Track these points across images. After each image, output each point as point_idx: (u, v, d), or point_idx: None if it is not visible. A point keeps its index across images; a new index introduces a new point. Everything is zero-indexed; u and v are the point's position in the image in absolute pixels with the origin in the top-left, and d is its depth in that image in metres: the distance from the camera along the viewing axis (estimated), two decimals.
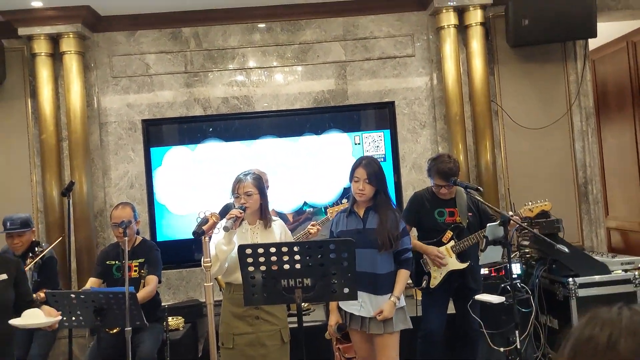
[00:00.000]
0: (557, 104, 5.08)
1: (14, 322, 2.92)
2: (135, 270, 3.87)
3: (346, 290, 2.60)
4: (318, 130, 5.09)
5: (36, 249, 3.92)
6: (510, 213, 3.55)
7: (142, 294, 3.73)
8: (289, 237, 3.21)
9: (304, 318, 4.27)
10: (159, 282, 3.97)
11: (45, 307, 3.16)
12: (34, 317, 2.97)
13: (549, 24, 4.72)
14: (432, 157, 3.79)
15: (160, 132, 5.07)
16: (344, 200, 3.84)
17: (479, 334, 3.80)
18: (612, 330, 0.79)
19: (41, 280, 3.86)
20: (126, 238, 3.34)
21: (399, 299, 3.06)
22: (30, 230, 4.10)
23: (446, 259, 3.64)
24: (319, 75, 5.00)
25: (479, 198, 3.71)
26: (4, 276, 3.08)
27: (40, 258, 3.86)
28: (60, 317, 3.08)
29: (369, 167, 3.13)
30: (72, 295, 3.22)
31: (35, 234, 4.17)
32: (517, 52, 5.03)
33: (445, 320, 3.78)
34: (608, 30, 5.43)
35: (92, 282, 3.89)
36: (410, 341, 3.85)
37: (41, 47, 4.64)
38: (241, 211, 2.91)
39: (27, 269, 3.72)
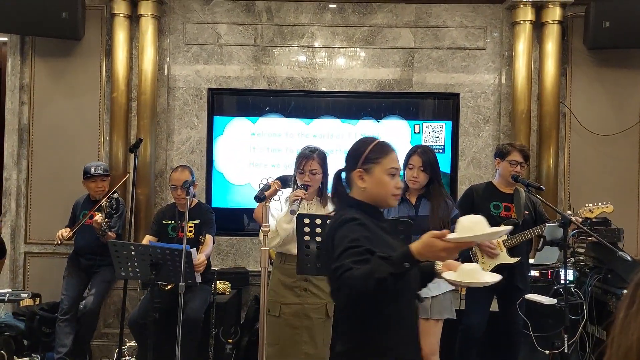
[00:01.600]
0: (629, 113, 4.90)
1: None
2: (190, 231, 4.00)
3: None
4: (378, 115, 5.08)
5: (114, 195, 4.20)
6: (569, 213, 3.48)
7: (205, 252, 3.88)
8: None
9: None
10: (213, 242, 4.10)
11: None
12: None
13: (630, 29, 4.55)
14: (504, 142, 3.81)
15: (224, 101, 5.17)
16: None
17: (521, 335, 3.75)
18: None
19: (112, 223, 4.08)
20: (189, 197, 3.44)
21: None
22: (110, 177, 4.50)
23: (497, 250, 3.59)
24: (385, 60, 4.98)
25: (539, 197, 3.65)
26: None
27: (114, 200, 4.09)
28: None
29: (424, 155, 3.14)
30: (132, 247, 3.36)
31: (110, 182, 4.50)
32: (593, 54, 4.86)
33: (487, 317, 3.74)
34: None
35: (147, 240, 4.04)
36: (449, 336, 3.83)
37: (120, 8, 4.79)
38: (305, 192, 2.92)
39: (101, 211, 3.97)
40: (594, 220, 3.78)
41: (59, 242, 4.22)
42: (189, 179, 3.96)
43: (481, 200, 3.70)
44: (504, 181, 3.71)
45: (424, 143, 4.87)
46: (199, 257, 3.73)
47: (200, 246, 3.89)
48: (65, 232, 4.25)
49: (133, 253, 3.34)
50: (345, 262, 1.67)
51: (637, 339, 0.75)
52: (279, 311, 3.06)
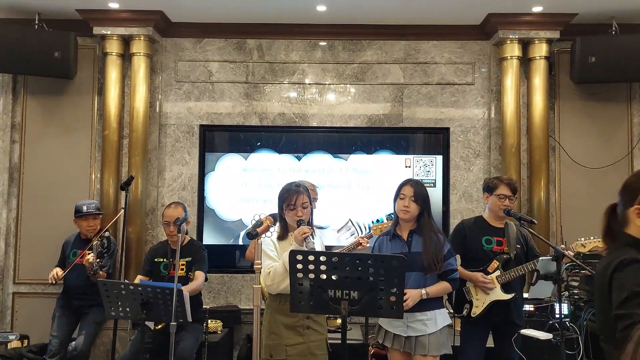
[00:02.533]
0: (618, 145, 4.96)
1: None
2: (182, 269, 3.95)
3: (393, 307, 2.58)
4: (369, 150, 5.11)
5: (106, 233, 4.19)
6: (562, 246, 3.47)
7: (191, 287, 3.83)
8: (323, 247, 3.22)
9: (339, 335, 4.25)
10: (205, 279, 4.05)
11: None
12: None
13: (616, 64, 4.64)
14: (492, 176, 3.81)
15: (216, 138, 5.19)
16: (384, 217, 3.85)
17: None
18: None
19: (103, 262, 4.03)
20: (179, 234, 3.41)
21: (428, 294, 3.05)
22: (101, 215, 4.48)
23: (491, 285, 3.56)
24: (375, 96, 5.04)
25: (531, 230, 3.64)
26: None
27: (105, 239, 4.08)
28: None
29: (416, 186, 3.17)
30: (122, 286, 3.31)
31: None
32: (580, 88, 4.95)
33: (483, 353, 3.69)
34: None
35: (139, 280, 3.99)
36: None
37: (112, 47, 4.85)
38: (310, 227, 2.88)
39: (92, 250, 3.93)
40: (586, 253, 3.77)
41: (54, 282, 4.16)
42: (182, 215, 3.93)
43: (473, 235, 3.68)
44: (493, 215, 3.71)
45: (415, 177, 4.90)
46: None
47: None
48: (59, 271, 4.20)
49: (124, 292, 3.28)
50: (633, 312, 1.49)
51: None
52: (285, 354, 2.97)
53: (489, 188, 3.72)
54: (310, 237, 2.79)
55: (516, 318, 3.66)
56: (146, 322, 3.78)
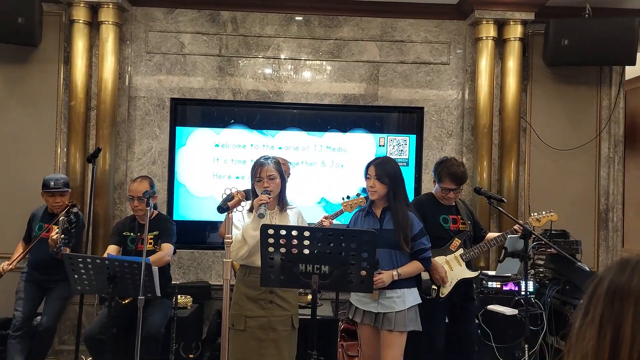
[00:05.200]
0: (587, 128, 5.04)
1: None
2: (150, 243, 3.90)
3: (363, 282, 2.59)
4: (344, 128, 5.09)
5: (74, 209, 4.05)
6: (520, 222, 3.53)
7: (157, 256, 3.78)
8: (304, 224, 3.22)
9: (310, 311, 4.26)
10: (173, 252, 4.00)
11: None
12: None
13: (588, 47, 4.69)
14: (440, 160, 3.69)
15: (187, 112, 5.09)
16: (359, 194, 3.85)
17: (475, 347, 3.76)
18: None
19: (68, 238, 3.92)
20: (148, 208, 3.35)
21: (400, 275, 3.07)
22: (69, 191, 4.30)
23: (457, 268, 3.59)
24: (351, 74, 5.00)
25: (500, 208, 3.69)
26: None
27: (72, 215, 3.96)
28: None
29: (380, 165, 3.17)
30: (89, 260, 3.24)
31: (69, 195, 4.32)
32: (552, 71, 5.00)
33: (444, 329, 3.73)
34: None
35: (111, 250, 3.93)
36: (413, 348, 3.81)
37: (79, 14, 4.68)
38: (269, 196, 2.92)
39: (60, 224, 3.82)
40: (553, 232, 3.84)
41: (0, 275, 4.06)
42: (148, 190, 3.86)
43: (430, 213, 3.61)
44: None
45: (388, 156, 4.88)
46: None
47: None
48: (6, 265, 4.09)
49: (90, 266, 3.22)
50: None
51: (592, 347, 0.76)
52: (244, 325, 3.00)
53: (435, 175, 3.67)
54: (263, 205, 2.80)
55: (474, 293, 3.75)
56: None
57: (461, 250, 3.61)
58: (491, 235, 3.80)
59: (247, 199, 2.95)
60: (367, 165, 3.25)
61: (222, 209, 2.63)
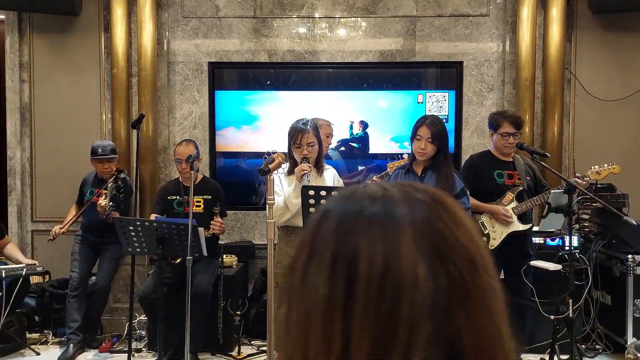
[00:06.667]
0: (635, 77, 4.84)
1: None
2: (198, 206, 4.03)
3: None
4: (381, 86, 5.04)
5: (122, 174, 4.18)
6: (578, 175, 3.48)
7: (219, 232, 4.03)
8: (340, 184, 3.25)
9: None
10: None
11: None
12: None
13: None
14: (495, 111, 3.75)
15: (225, 75, 5.13)
16: (405, 155, 3.84)
17: (529, 302, 3.77)
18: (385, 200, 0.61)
19: (116, 204, 4.07)
20: (193, 171, 3.44)
21: None
22: (117, 157, 4.44)
23: (511, 219, 3.59)
24: (387, 30, 4.91)
25: (543, 164, 3.63)
26: None
27: (120, 180, 4.11)
28: None
29: (433, 126, 3.09)
30: (138, 223, 3.38)
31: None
32: (598, 18, 4.78)
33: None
34: None
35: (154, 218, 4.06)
36: None
37: None
38: (310, 165, 2.94)
39: (108, 190, 3.97)
40: (599, 186, 3.77)
41: (53, 238, 4.24)
42: (194, 153, 3.97)
43: (484, 169, 3.68)
44: (499, 151, 3.69)
45: (427, 113, 4.83)
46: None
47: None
48: (58, 228, 4.26)
49: (139, 229, 3.36)
50: None
51: (323, 296, 0.59)
52: None
53: (492, 125, 3.69)
54: (307, 175, 2.84)
55: (530, 248, 3.72)
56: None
57: (513, 204, 3.60)
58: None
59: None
60: (417, 124, 3.15)
61: (263, 171, 2.69)
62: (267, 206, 2.77)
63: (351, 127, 4.98)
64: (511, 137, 3.57)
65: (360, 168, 5.03)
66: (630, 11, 4.66)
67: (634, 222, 3.27)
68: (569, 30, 4.78)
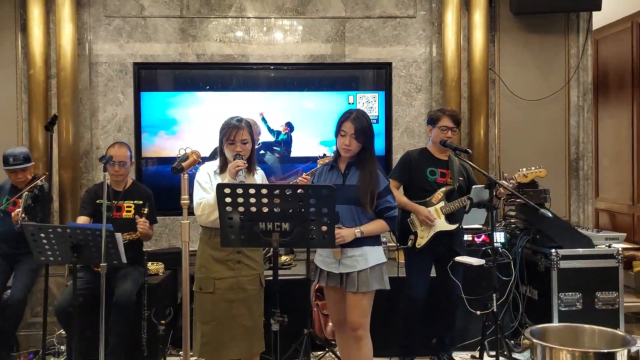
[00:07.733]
0: (556, 77, 5.02)
1: None
2: (128, 211, 3.86)
3: (324, 237, 2.56)
4: (311, 86, 5.01)
5: (38, 181, 3.97)
6: (506, 175, 3.54)
7: (146, 236, 3.86)
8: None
9: (285, 272, 4.28)
10: None
11: None
12: None
13: None
14: (435, 108, 3.88)
15: (151, 76, 4.97)
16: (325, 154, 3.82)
17: (459, 299, 3.80)
18: None
19: (32, 214, 3.85)
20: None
21: (362, 233, 2.95)
22: (31, 165, 4.17)
23: (435, 221, 3.61)
24: (317, 31, 4.89)
25: (468, 162, 3.67)
26: None
27: (37, 189, 3.89)
28: None
29: (357, 122, 2.98)
30: (50, 230, 3.17)
31: (34, 167, 4.22)
32: (519, 20, 4.94)
33: (428, 283, 3.77)
34: (613, 9, 5.33)
35: (82, 221, 3.85)
36: (392, 304, 3.84)
37: None
38: (244, 161, 2.87)
39: (23, 200, 3.75)
40: (520, 182, 3.85)
41: None
42: (128, 156, 3.84)
43: (418, 165, 3.70)
44: (437, 147, 3.72)
45: (359, 108, 4.81)
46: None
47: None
48: None
49: (52, 235, 3.15)
50: None
51: None
52: (213, 287, 2.98)
53: (432, 120, 3.74)
54: (242, 171, 2.76)
55: (459, 247, 3.74)
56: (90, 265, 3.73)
57: (442, 203, 3.62)
58: None
59: (211, 159, 2.90)
60: (340, 120, 3.03)
61: (176, 169, 2.58)
62: (182, 206, 2.66)
63: (272, 130, 4.91)
64: (449, 131, 3.63)
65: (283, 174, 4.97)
66: (549, 13, 4.83)
67: (550, 215, 3.35)
68: (492, 32, 4.90)
